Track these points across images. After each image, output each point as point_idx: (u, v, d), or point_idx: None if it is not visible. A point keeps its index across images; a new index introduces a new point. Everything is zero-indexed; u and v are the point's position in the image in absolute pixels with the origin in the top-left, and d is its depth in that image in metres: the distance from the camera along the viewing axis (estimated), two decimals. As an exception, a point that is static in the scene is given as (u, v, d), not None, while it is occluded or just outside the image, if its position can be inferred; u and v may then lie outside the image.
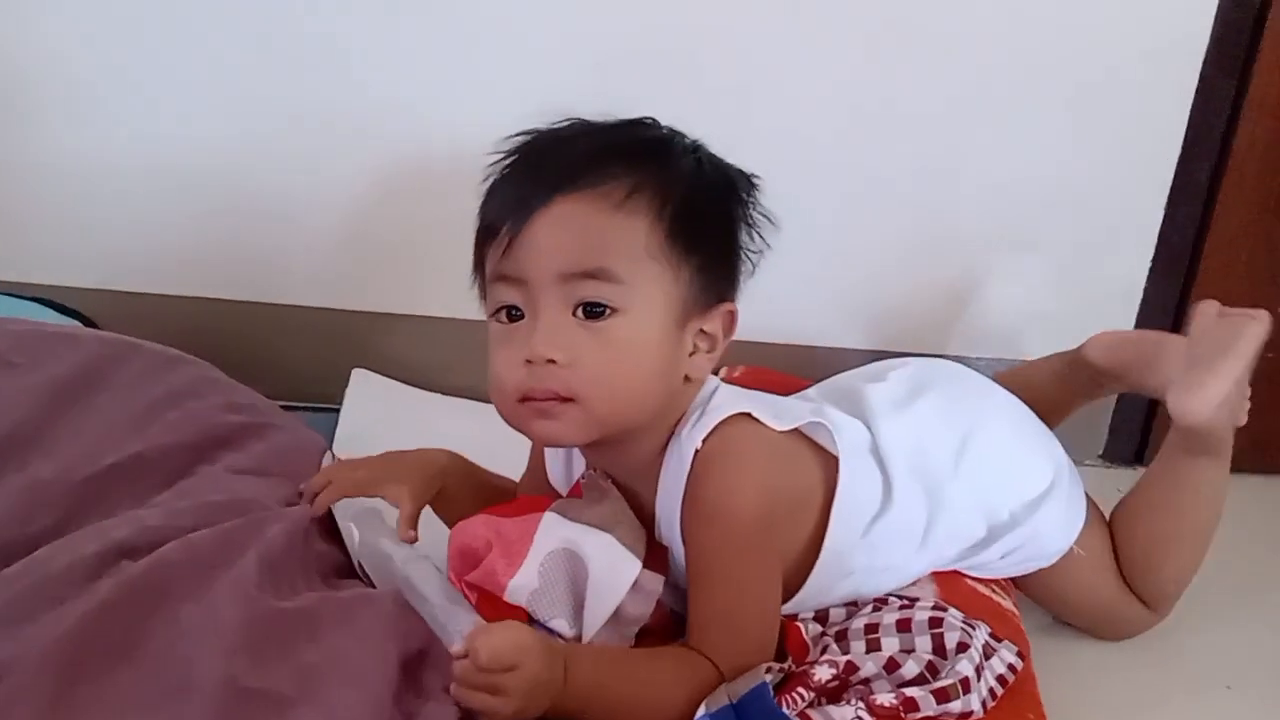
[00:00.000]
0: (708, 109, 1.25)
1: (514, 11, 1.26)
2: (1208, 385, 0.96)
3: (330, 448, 1.14)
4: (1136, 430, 1.42)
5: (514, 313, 0.81)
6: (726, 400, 0.85)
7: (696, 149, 0.87)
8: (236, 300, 1.39)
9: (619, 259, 0.79)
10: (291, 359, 1.39)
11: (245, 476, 0.96)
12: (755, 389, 1.21)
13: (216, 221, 1.36)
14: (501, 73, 1.28)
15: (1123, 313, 1.37)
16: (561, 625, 0.80)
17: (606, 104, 1.00)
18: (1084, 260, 1.36)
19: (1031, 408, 1.06)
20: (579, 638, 0.81)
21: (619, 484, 0.88)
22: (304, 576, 0.84)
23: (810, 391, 1.07)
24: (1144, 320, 1.38)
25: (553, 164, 0.82)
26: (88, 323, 1.36)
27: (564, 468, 0.95)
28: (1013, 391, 1.07)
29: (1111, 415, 1.42)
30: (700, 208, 0.83)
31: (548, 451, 0.96)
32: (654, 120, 0.89)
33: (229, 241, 1.38)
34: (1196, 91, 1.27)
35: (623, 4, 1.26)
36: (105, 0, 1.26)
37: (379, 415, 1.29)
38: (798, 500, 0.87)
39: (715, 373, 1.35)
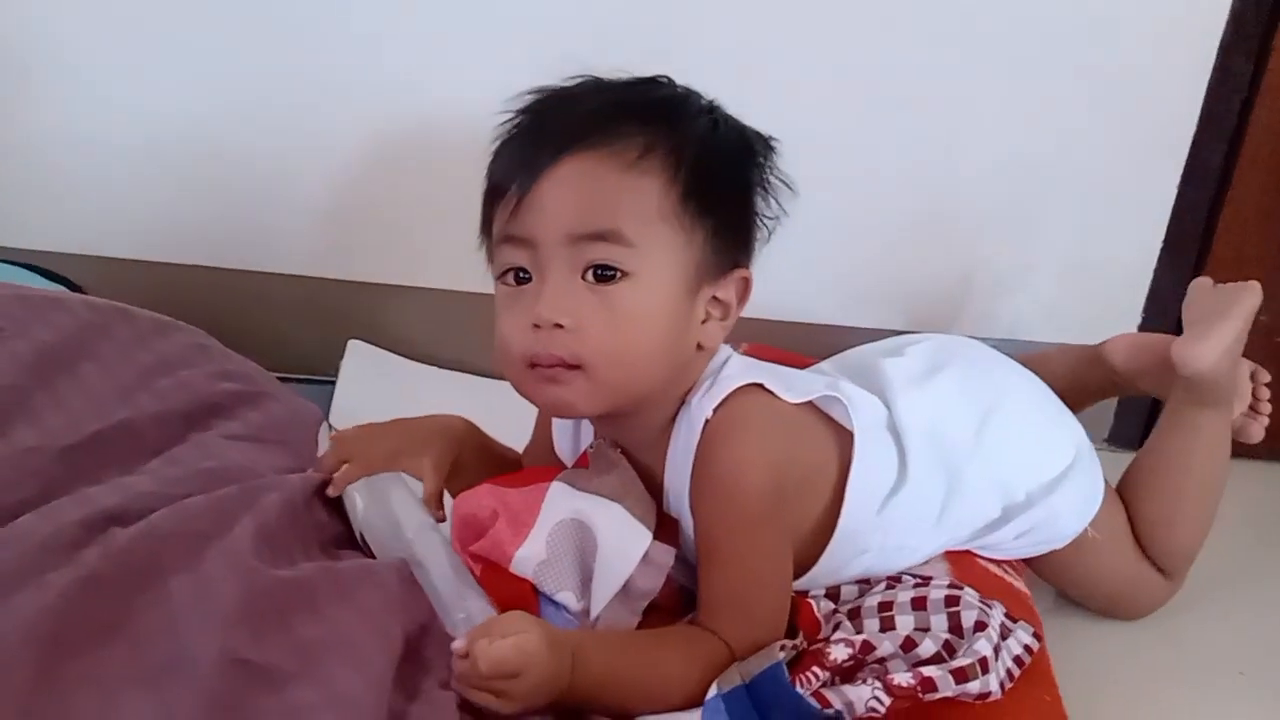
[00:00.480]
0: (707, 84, 1.24)
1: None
2: (1209, 335, 1.00)
3: (326, 420, 1.12)
4: (1143, 414, 1.40)
5: (521, 275, 0.78)
6: (739, 370, 0.83)
7: (713, 109, 0.84)
8: (232, 269, 1.36)
9: (630, 221, 0.76)
10: (287, 329, 1.37)
11: (240, 443, 0.93)
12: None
13: (211, 189, 1.33)
14: (499, 40, 1.25)
15: (1131, 296, 1.36)
16: (569, 598, 0.78)
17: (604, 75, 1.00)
18: (1093, 242, 1.34)
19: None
20: (587, 611, 0.78)
21: (628, 454, 0.86)
22: (302, 546, 0.81)
23: (824, 365, 1.04)
24: (1153, 303, 1.36)
25: (562, 122, 0.79)
26: (75, 289, 1.33)
27: (571, 439, 0.93)
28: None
29: (1118, 400, 1.40)
30: (716, 170, 0.80)
31: (555, 421, 0.94)
32: (669, 79, 0.86)
33: (224, 210, 1.35)
34: (1212, 72, 1.25)
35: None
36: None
37: (375, 388, 1.26)
38: (810, 475, 0.85)
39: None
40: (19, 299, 1.05)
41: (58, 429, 0.91)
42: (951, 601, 0.81)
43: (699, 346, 0.81)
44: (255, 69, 1.27)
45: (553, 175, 0.76)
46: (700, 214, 0.78)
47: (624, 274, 0.76)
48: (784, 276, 1.34)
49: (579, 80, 0.84)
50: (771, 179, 0.86)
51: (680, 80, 1.26)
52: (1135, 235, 1.33)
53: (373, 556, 0.85)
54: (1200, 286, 1.09)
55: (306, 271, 1.36)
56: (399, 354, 1.36)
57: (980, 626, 0.79)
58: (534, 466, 0.89)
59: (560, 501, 0.79)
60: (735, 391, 0.80)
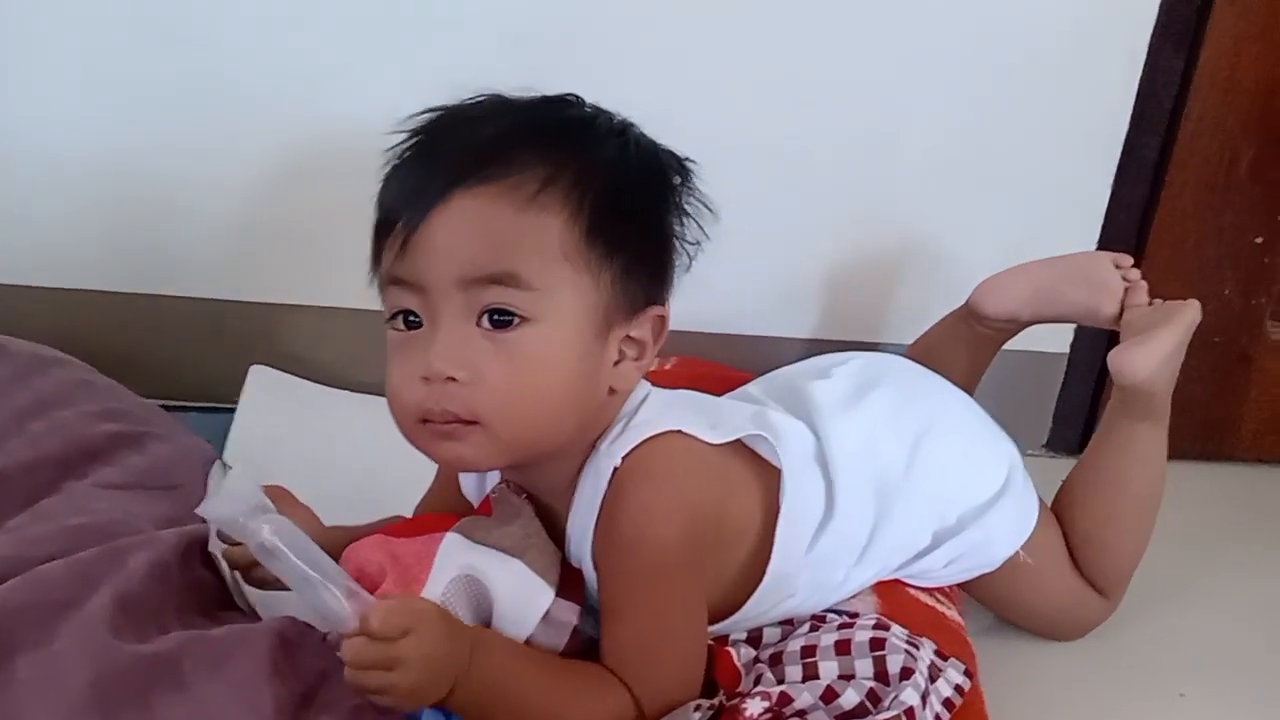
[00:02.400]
0: (629, 87, 1.18)
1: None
2: (1148, 343, 0.98)
3: (221, 456, 1.05)
4: (1081, 419, 1.37)
5: (411, 319, 0.71)
6: (655, 414, 0.76)
7: (624, 130, 0.77)
8: (129, 292, 1.28)
9: (529, 262, 0.69)
10: (188, 355, 1.30)
11: (117, 493, 0.87)
12: (687, 383, 1.15)
13: (105, 210, 1.25)
14: (407, 47, 1.18)
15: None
16: (465, 658, 0.72)
17: (520, 81, 0.91)
18: (1028, 240, 1.28)
19: (951, 378, 1.02)
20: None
21: (533, 499, 0.80)
22: (175, 610, 0.74)
23: (752, 388, 0.99)
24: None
25: (454, 151, 0.72)
26: (-37, 319, 1.25)
27: (477, 479, 0.86)
28: (933, 369, 1.02)
29: (1055, 404, 1.37)
30: (624, 201, 0.73)
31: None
32: (577, 98, 0.79)
33: (117, 231, 1.26)
34: (1145, 64, 1.21)
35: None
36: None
37: (279, 413, 1.19)
38: (734, 522, 0.79)
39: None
40: (-116, 339, 0.98)
41: (-80, 482, 0.84)
42: (877, 644, 0.77)
43: (610, 390, 0.75)
44: (151, 84, 1.19)
45: (443, 212, 0.69)
46: (608, 251, 0.72)
47: (523, 319, 0.69)
48: (714, 286, 1.30)
49: (480, 99, 0.77)
50: (690, 202, 0.80)
51: (600, 86, 1.21)
52: (1070, 232, 1.28)
53: (255, 615, 0.80)
54: (1139, 302, 1.06)
55: (207, 294, 1.28)
56: (307, 378, 1.29)
57: (907, 673, 0.74)
58: (429, 515, 0.83)
59: (454, 556, 0.72)
60: (650, 439, 0.74)
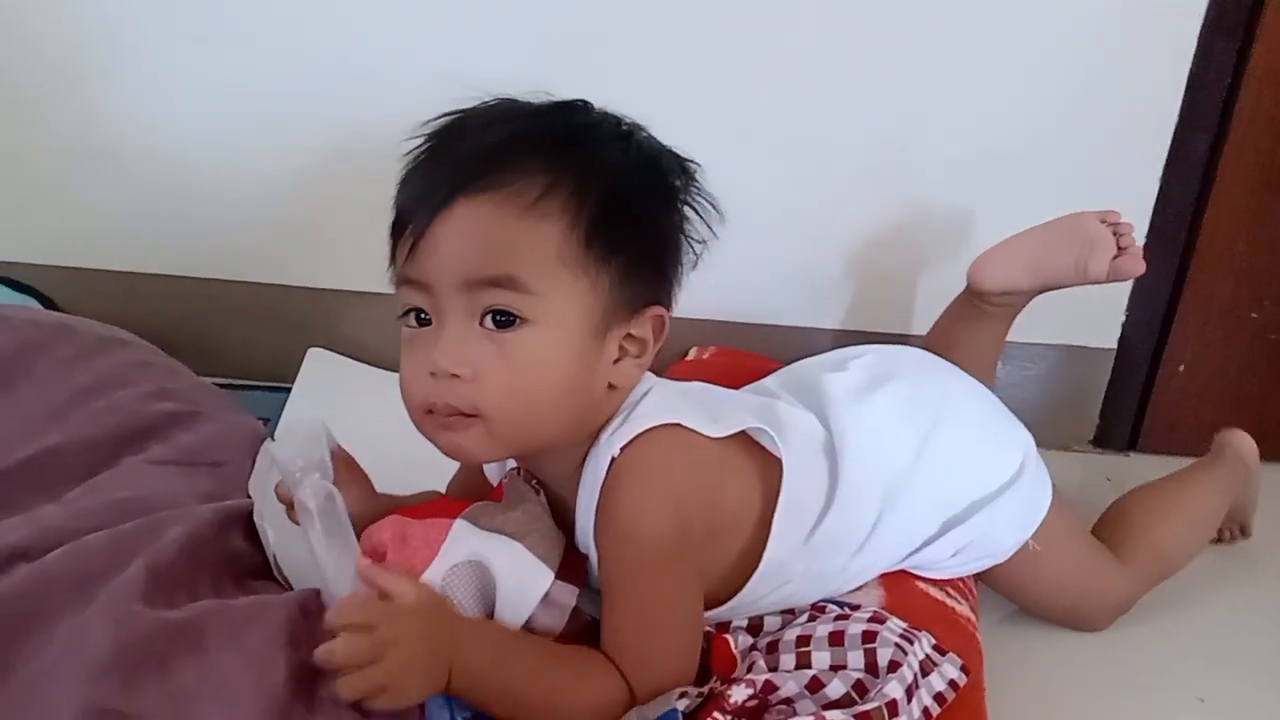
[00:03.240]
0: (652, 79, 1.21)
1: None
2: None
3: (272, 435, 1.11)
4: (1129, 416, 1.36)
5: (422, 316, 0.75)
6: (656, 406, 0.79)
7: (629, 135, 0.79)
8: (197, 277, 1.36)
9: (528, 267, 0.72)
10: (252, 337, 1.37)
11: (165, 468, 0.92)
12: (722, 372, 1.17)
13: (175, 199, 1.33)
14: (459, 43, 1.23)
15: (1113, 291, 1.30)
16: (469, 637, 0.76)
17: (544, 76, 0.96)
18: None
19: (966, 361, 1.04)
20: (489, 649, 0.76)
21: (544, 485, 0.83)
22: (208, 580, 0.80)
23: (769, 381, 1.01)
24: (1138, 300, 1.31)
25: (461, 157, 0.75)
26: (44, 299, 1.34)
27: (499, 462, 0.91)
28: (947, 358, 1.04)
29: (1103, 401, 1.36)
30: (624, 206, 0.76)
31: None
32: (585, 103, 0.81)
33: (188, 219, 1.34)
34: (1194, 57, 1.19)
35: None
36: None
37: (332, 394, 1.25)
38: (731, 511, 0.82)
39: (686, 354, 1.33)
40: (-41, 318, 1.05)
41: (-14, 455, 0.91)
42: (869, 637, 0.78)
43: (611, 386, 0.78)
44: (213, 80, 1.26)
45: (447, 218, 0.72)
46: (607, 255, 0.74)
47: (523, 320, 0.72)
48: (748, 278, 1.33)
49: (491, 103, 0.80)
50: (694, 203, 0.82)
51: (622, 80, 1.23)
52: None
53: (290, 587, 0.85)
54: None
55: (271, 279, 1.35)
56: (366, 361, 1.35)
57: (894, 666, 0.76)
58: (445, 499, 0.87)
59: (460, 543, 0.76)
60: (648, 430, 0.77)
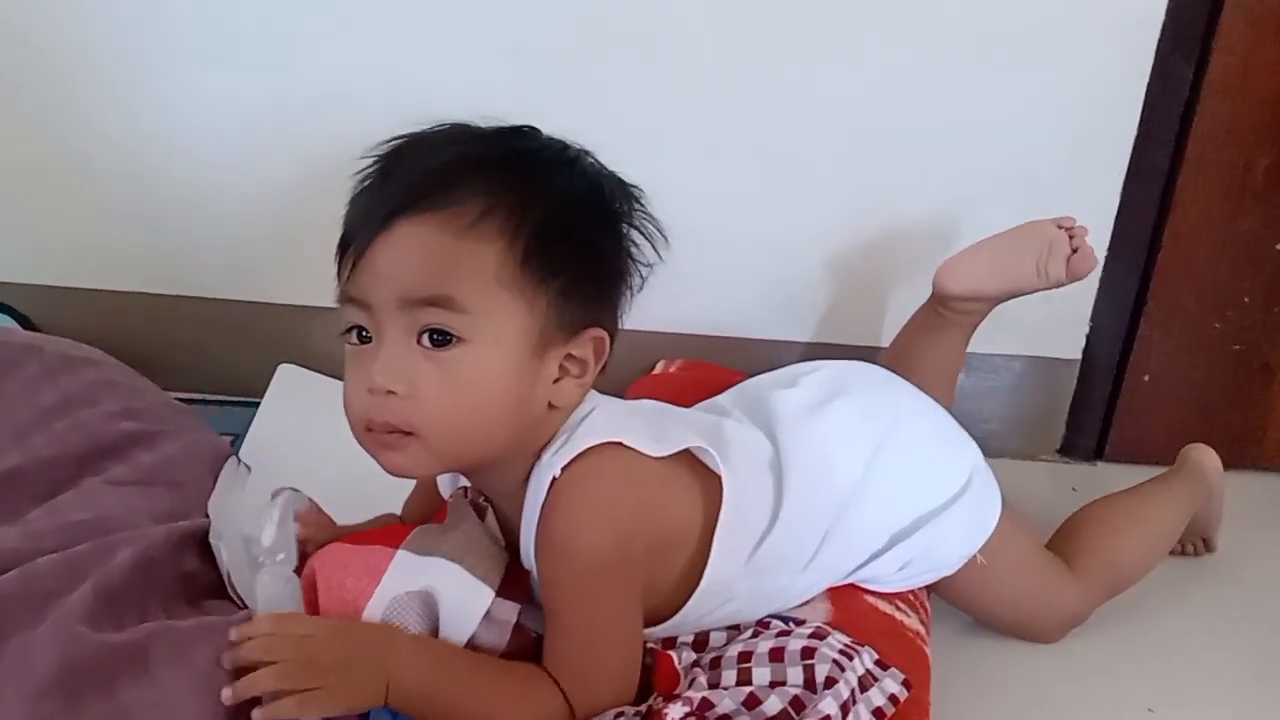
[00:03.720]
0: (628, 96, 1.23)
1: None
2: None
3: (236, 453, 1.13)
4: (1096, 426, 1.37)
5: (363, 334, 0.76)
6: (598, 426, 0.80)
7: (573, 160, 0.81)
8: (174, 295, 1.38)
9: (464, 287, 0.73)
10: (229, 353, 1.38)
11: (123, 489, 0.93)
12: (690, 385, 1.18)
13: (147, 218, 1.34)
14: (426, 60, 1.24)
15: (1077, 300, 1.31)
16: (415, 659, 0.77)
17: (520, 95, 1.00)
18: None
19: (924, 376, 1.06)
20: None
21: (493, 502, 0.85)
22: (160, 601, 0.81)
23: (722, 398, 1.02)
24: (1103, 311, 1.32)
25: (404, 179, 0.76)
26: (18, 317, 1.36)
27: (451, 479, 0.92)
28: (905, 371, 1.05)
29: (1069, 411, 1.37)
30: (563, 229, 0.77)
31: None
32: (533, 129, 0.82)
33: (155, 237, 1.36)
34: (1152, 71, 1.20)
35: None
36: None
37: (300, 409, 1.26)
38: (672, 530, 0.83)
39: (654, 367, 1.34)
40: (-72, 341, 1.07)
41: (-51, 476, 0.93)
42: (808, 653, 0.79)
43: (551, 405, 0.79)
44: (183, 99, 1.28)
45: (387, 237, 0.73)
46: (544, 277, 0.75)
47: (459, 339, 0.73)
48: (718, 290, 1.34)
49: (441, 127, 0.81)
50: (639, 228, 0.83)
51: (598, 97, 1.25)
52: (1080, 241, 1.29)
53: (243, 605, 0.86)
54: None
55: (244, 296, 1.37)
56: (334, 376, 1.36)
57: (830, 683, 0.77)
58: (392, 526, 0.89)
59: (401, 574, 0.78)
60: (588, 450, 0.78)
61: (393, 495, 1.03)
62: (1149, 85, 1.21)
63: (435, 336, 0.73)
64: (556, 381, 0.78)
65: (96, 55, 1.26)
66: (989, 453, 1.33)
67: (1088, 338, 1.33)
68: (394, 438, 0.74)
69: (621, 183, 0.82)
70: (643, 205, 0.84)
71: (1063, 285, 1.13)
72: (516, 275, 0.74)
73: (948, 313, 1.15)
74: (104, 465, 0.97)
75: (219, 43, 1.25)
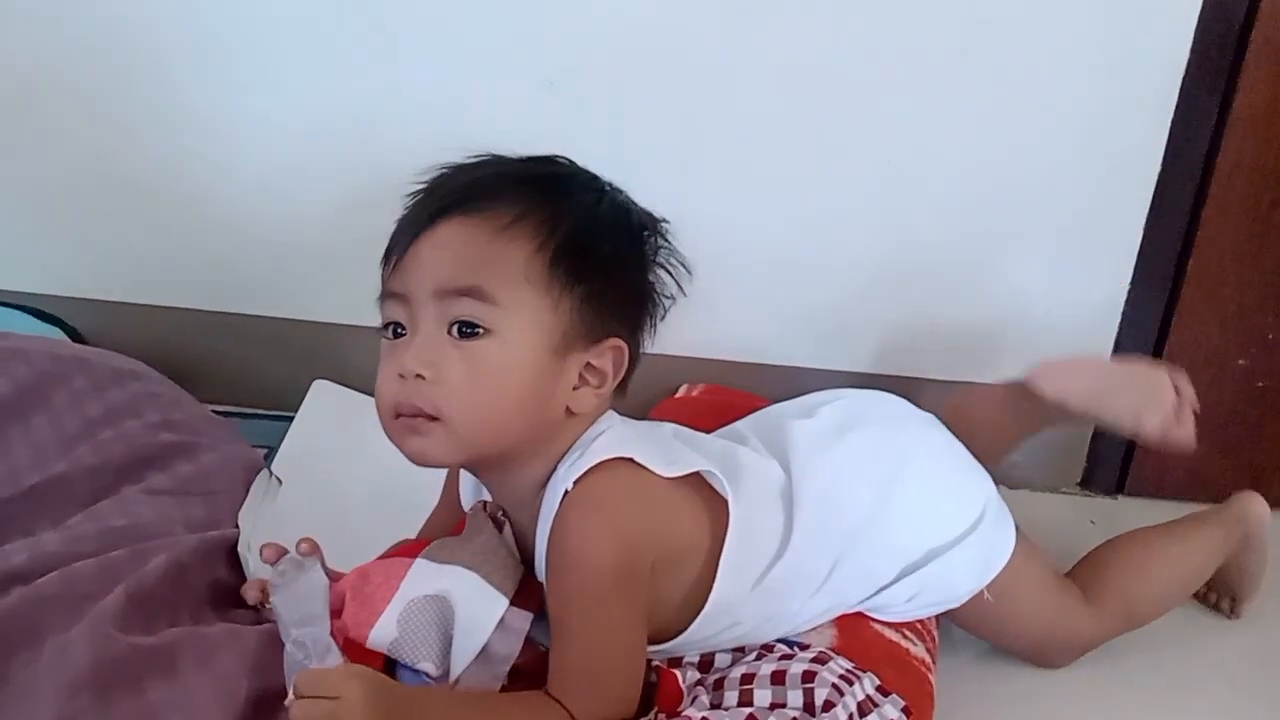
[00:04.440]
0: (665, 126, 1.26)
1: (484, 25, 1.25)
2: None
3: (268, 466, 1.17)
4: (1117, 459, 1.37)
5: (399, 330, 0.82)
6: (611, 443, 0.83)
7: (603, 188, 0.86)
8: (216, 311, 1.42)
9: (494, 280, 0.78)
10: (267, 368, 1.42)
11: (160, 497, 0.98)
12: (711, 410, 1.21)
13: (195, 236, 1.39)
14: (464, 85, 1.28)
15: (1100, 335, 1.32)
16: (428, 667, 0.80)
17: (556, 119, 1.08)
18: (1059, 281, 1.31)
19: (972, 443, 1.03)
20: (446, 675, 0.81)
21: (510, 515, 0.88)
22: (188, 607, 0.85)
23: (741, 424, 1.05)
24: (1125, 346, 1.32)
25: (446, 189, 0.83)
26: (69, 330, 1.41)
27: (473, 496, 0.95)
28: (953, 427, 1.04)
29: (1090, 443, 1.37)
30: (590, 242, 0.82)
31: (462, 479, 0.97)
32: (567, 160, 0.89)
33: (209, 255, 1.40)
34: (1177, 107, 1.21)
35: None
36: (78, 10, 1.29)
37: (333, 424, 1.30)
38: (679, 549, 0.85)
39: (676, 391, 1.37)
40: (-18, 351, 1.12)
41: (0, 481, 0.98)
42: (808, 677, 0.81)
43: (569, 412, 0.82)
44: (223, 121, 1.32)
45: (430, 237, 0.80)
46: (570, 281, 0.80)
47: (487, 331, 0.78)
48: (744, 317, 1.37)
49: (480, 157, 0.87)
50: (665, 259, 0.88)
51: (636, 119, 1.28)
52: (1101, 273, 1.29)
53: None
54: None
55: (284, 313, 1.41)
56: (368, 394, 1.40)
57: (828, 706, 0.79)
58: (411, 542, 0.92)
59: (419, 579, 0.81)
60: (600, 465, 0.81)
61: (418, 511, 1.07)
62: (1173, 121, 1.21)
63: (464, 328, 0.78)
64: (576, 389, 0.82)
65: (146, 80, 1.31)
66: (1010, 484, 1.36)
67: (1110, 371, 1.33)
68: (419, 422, 0.79)
69: (649, 214, 0.87)
70: (668, 237, 0.88)
71: (1147, 438, 1.06)
72: (544, 276, 0.79)
73: (1024, 402, 1.09)
74: (143, 475, 1.02)
75: (265, 69, 1.29)
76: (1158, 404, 1.05)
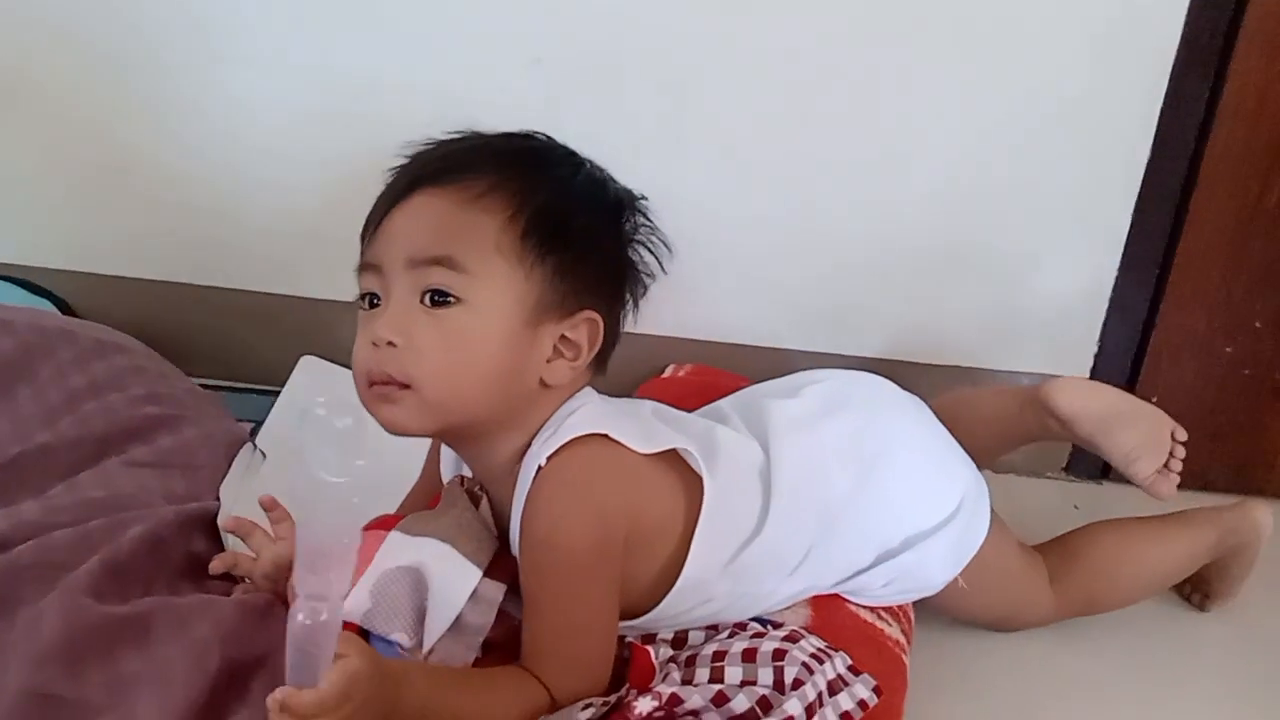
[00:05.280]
0: (653, 107, 1.26)
1: (472, 4, 1.25)
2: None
3: (253, 439, 1.17)
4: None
5: (374, 300, 0.82)
6: (586, 418, 0.83)
7: (580, 163, 0.86)
8: (205, 285, 1.43)
9: (466, 250, 0.78)
10: (256, 343, 1.43)
11: (141, 470, 0.99)
12: (698, 389, 1.21)
13: (185, 211, 1.39)
14: (442, 66, 1.28)
15: (1087, 321, 1.32)
16: (401, 637, 0.81)
17: (541, 98, 1.08)
18: (1047, 267, 1.31)
19: (971, 440, 1.04)
20: (419, 648, 0.81)
21: (488, 490, 0.88)
22: (164, 577, 0.86)
23: (724, 403, 1.04)
24: (1112, 332, 1.32)
25: (421, 161, 0.84)
26: (59, 302, 1.41)
27: (453, 470, 0.95)
28: (955, 420, 1.04)
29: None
30: (563, 214, 0.82)
31: (443, 455, 0.97)
32: (546, 136, 0.88)
33: (198, 230, 1.40)
34: (1166, 94, 1.21)
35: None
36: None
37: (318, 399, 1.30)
38: (653, 526, 0.85)
39: (663, 371, 1.37)
40: (-33, 324, 1.12)
41: (-18, 453, 0.98)
42: (779, 655, 0.81)
43: (543, 384, 0.83)
44: (224, 102, 1.33)
45: (403, 208, 0.81)
46: (541, 252, 0.80)
47: (458, 300, 0.78)
48: (733, 300, 1.37)
49: (460, 132, 0.87)
50: (642, 235, 0.88)
51: (618, 105, 1.28)
52: (1089, 259, 1.30)
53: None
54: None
55: (274, 289, 1.42)
56: (354, 368, 1.41)
57: (797, 684, 0.79)
58: (386, 516, 0.92)
59: (393, 551, 0.82)
60: (574, 440, 0.81)
61: (402, 487, 1.07)
62: (1163, 108, 1.21)
63: (435, 297, 0.78)
64: (550, 361, 0.82)
65: (136, 58, 1.31)
66: (995, 468, 1.36)
67: (1095, 358, 1.33)
68: (391, 390, 0.79)
69: (627, 190, 0.87)
70: (647, 213, 0.87)
71: (1132, 478, 1.06)
72: (516, 246, 0.79)
73: (1029, 411, 1.08)
74: (125, 447, 1.02)
75: (255, 47, 1.30)
76: (1156, 451, 1.05)
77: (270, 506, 0.89)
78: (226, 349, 1.42)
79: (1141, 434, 1.05)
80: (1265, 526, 1.09)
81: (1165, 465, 1.05)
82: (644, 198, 0.89)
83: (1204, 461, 1.33)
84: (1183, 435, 1.07)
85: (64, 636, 0.73)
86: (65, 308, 1.41)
